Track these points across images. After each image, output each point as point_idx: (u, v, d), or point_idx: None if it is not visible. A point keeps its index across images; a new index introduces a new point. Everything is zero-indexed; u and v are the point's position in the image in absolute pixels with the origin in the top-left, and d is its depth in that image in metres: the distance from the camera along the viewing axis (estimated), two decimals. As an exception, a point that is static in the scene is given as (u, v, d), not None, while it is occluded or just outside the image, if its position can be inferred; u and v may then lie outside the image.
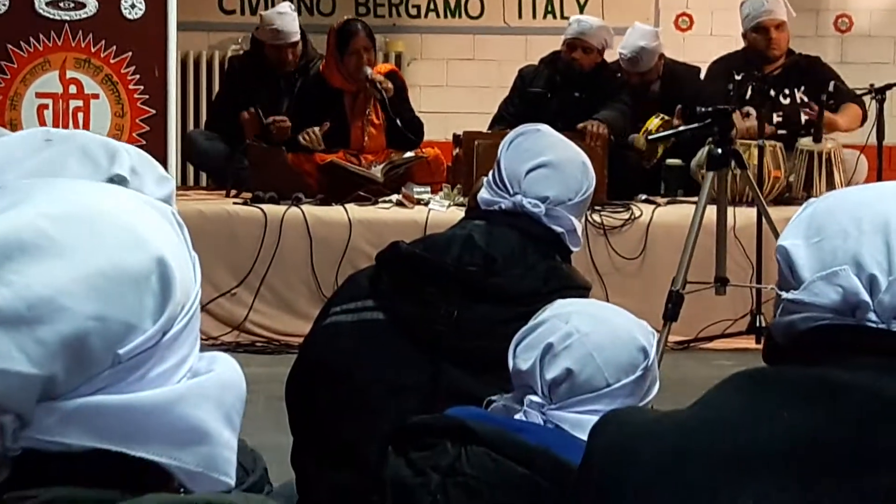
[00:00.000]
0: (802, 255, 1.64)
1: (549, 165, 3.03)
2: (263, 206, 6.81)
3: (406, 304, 2.92)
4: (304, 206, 6.80)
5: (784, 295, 1.64)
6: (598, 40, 7.55)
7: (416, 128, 7.35)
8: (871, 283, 1.59)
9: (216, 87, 8.81)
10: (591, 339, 2.30)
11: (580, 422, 2.26)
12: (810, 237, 1.65)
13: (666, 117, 7.24)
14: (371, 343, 2.94)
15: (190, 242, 1.29)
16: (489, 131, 7.28)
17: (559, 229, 3.04)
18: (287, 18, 7.60)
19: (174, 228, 1.28)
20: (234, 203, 6.96)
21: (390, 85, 7.26)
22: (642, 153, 7.37)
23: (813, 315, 1.62)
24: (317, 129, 7.11)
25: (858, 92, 7.18)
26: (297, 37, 7.64)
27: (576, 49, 7.53)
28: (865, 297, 1.59)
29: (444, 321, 2.88)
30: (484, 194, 3.10)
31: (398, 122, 7.18)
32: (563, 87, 7.51)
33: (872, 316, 1.59)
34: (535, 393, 2.31)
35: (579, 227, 3.11)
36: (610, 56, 7.82)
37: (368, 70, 7.13)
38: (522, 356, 2.34)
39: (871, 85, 6.92)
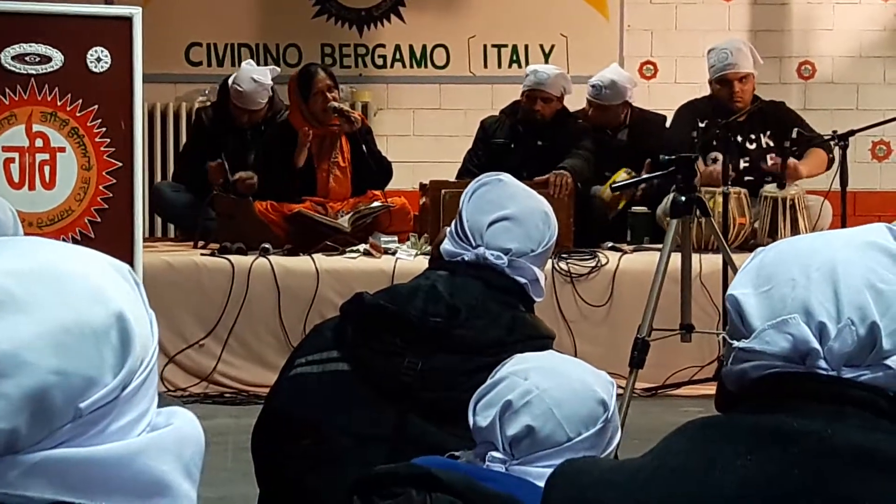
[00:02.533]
0: (752, 303, 1.66)
1: (511, 218, 3.05)
2: (231, 256, 6.83)
3: (370, 355, 2.94)
4: (271, 257, 6.82)
5: (735, 343, 1.67)
6: (557, 89, 7.62)
7: (385, 165, 7.40)
8: (821, 331, 1.61)
9: (183, 139, 8.84)
10: (550, 394, 2.32)
11: (543, 475, 2.27)
12: (760, 286, 1.67)
13: (633, 172, 7.30)
14: (336, 394, 2.95)
15: (146, 300, 1.32)
16: (456, 180, 7.32)
17: (522, 280, 3.06)
18: (257, 88, 7.58)
19: (131, 286, 1.30)
20: (202, 254, 6.96)
21: (360, 115, 7.34)
22: (606, 204, 7.42)
23: (764, 363, 1.64)
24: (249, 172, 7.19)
25: (822, 137, 7.24)
26: (259, 107, 7.65)
27: (535, 100, 7.59)
28: (815, 344, 1.61)
29: (408, 372, 2.89)
30: (447, 245, 3.11)
31: (365, 149, 7.22)
32: (526, 137, 7.56)
33: (822, 363, 1.61)
34: (497, 449, 2.33)
35: (542, 277, 3.13)
36: (572, 103, 7.88)
37: (336, 103, 7.19)
38: (482, 413, 2.35)
39: (834, 131, 6.97)
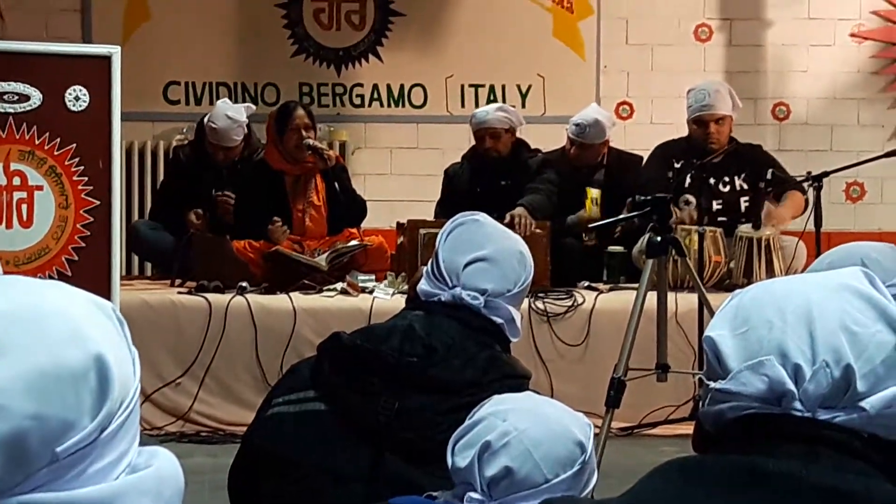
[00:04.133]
0: (729, 345, 1.68)
1: (488, 258, 3.07)
2: (208, 295, 6.81)
3: (347, 395, 2.94)
4: (248, 295, 6.81)
5: (712, 385, 1.68)
6: (500, 122, 7.63)
7: (359, 203, 7.43)
8: (796, 373, 1.63)
9: (161, 177, 8.83)
10: (528, 435, 2.32)
11: (520, 517, 2.28)
12: (736, 328, 1.69)
13: (598, 191, 7.39)
14: (313, 433, 2.96)
15: (130, 339, 1.31)
16: (433, 220, 7.33)
17: (499, 320, 3.07)
18: (231, 125, 7.60)
19: (114, 325, 1.30)
20: (179, 292, 6.95)
21: (333, 153, 7.36)
22: (587, 222, 7.39)
23: (740, 404, 1.65)
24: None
25: (797, 178, 7.28)
26: (234, 144, 7.67)
27: (484, 139, 7.62)
28: (791, 386, 1.62)
29: (385, 411, 2.90)
30: (423, 286, 3.13)
31: (338, 187, 7.23)
32: (488, 179, 7.58)
33: (798, 405, 1.63)
34: (475, 490, 2.33)
35: (518, 316, 3.14)
36: (550, 142, 7.91)
37: (310, 140, 7.22)
38: (461, 454, 2.36)
39: (809, 172, 7.01)
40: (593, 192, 7.51)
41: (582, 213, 7.49)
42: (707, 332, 1.73)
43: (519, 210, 7.13)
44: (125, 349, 1.29)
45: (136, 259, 8.76)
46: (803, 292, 1.69)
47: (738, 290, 1.77)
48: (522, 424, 2.34)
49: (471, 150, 7.83)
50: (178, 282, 7.23)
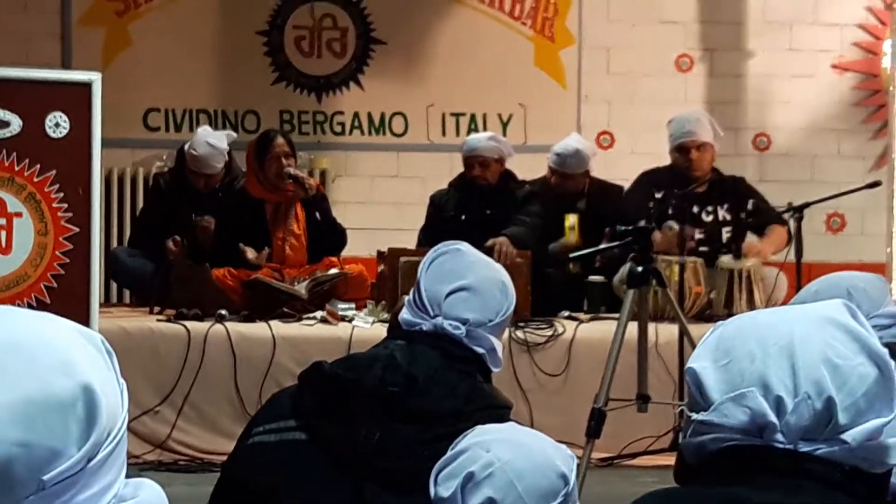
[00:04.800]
0: (711, 377, 1.68)
1: (469, 288, 3.06)
2: (187, 322, 6.80)
3: (328, 425, 2.93)
4: (227, 323, 6.80)
5: (694, 416, 1.68)
6: (490, 151, 7.66)
7: (339, 232, 7.43)
8: (778, 405, 1.63)
9: (140, 204, 8.83)
10: (512, 466, 2.32)
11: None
12: (718, 359, 1.69)
13: (577, 217, 7.41)
14: (294, 463, 2.94)
15: (118, 370, 1.31)
16: (413, 248, 7.33)
17: (480, 350, 3.06)
18: (212, 152, 7.62)
19: (103, 356, 1.30)
20: (158, 320, 6.94)
21: (314, 181, 7.37)
22: (569, 249, 7.40)
23: (722, 436, 1.65)
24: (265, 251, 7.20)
25: (778, 210, 7.31)
26: (215, 171, 7.67)
27: (473, 166, 7.64)
28: (772, 418, 1.62)
29: (366, 442, 2.88)
30: (405, 315, 3.12)
31: (318, 216, 7.24)
32: (474, 207, 7.59)
33: (779, 437, 1.63)
34: (458, 521, 2.32)
35: (500, 346, 3.13)
36: (531, 171, 7.93)
37: (291, 169, 7.22)
38: (444, 484, 2.34)
39: (790, 203, 7.03)
40: (570, 219, 7.54)
41: (563, 241, 7.51)
42: (689, 364, 1.73)
43: (501, 239, 7.14)
44: (113, 380, 1.29)
45: (114, 286, 8.74)
46: (785, 324, 1.69)
47: (720, 322, 1.78)
48: (506, 455, 2.33)
49: (458, 177, 7.84)
50: (156, 309, 7.22)
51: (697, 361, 1.71)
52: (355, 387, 2.95)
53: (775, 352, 1.65)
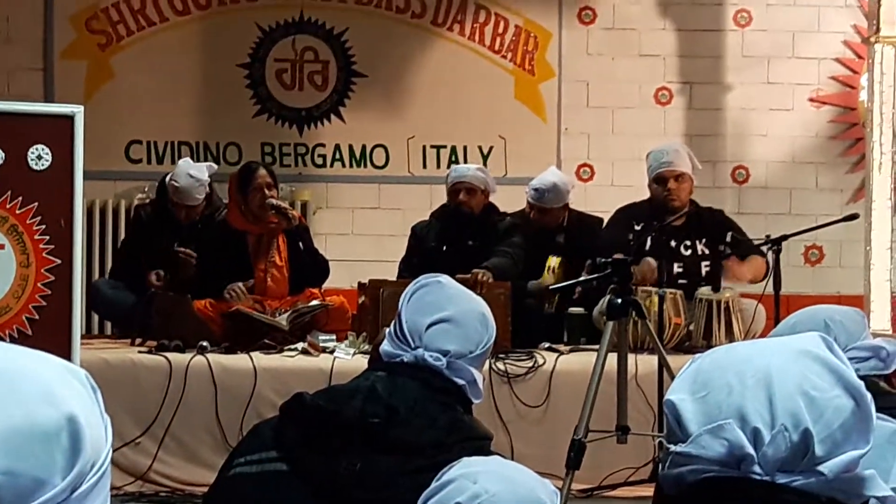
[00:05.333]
0: (689, 409, 1.70)
1: (450, 320, 3.08)
2: (168, 354, 6.80)
3: (310, 456, 2.94)
4: (208, 355, 6.79)
5: (672, 448, 1.70)
6: (478, 181, 7.71)
7: (322, 263, 7.44)
8: (755, 437, 1.65)
9: (122, 236, 8.83)
10: (498, 499, 2.32)
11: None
12: (696, 391, 1.71)
13: (562, 259, 7.41)
14: (275, 494, 2.95)
15: (102, 404, 1.33)
16: (394, 279, 7.35)
17: (461, 381, 3.08)
18: (193, 183, 7.63)
19: (87, 391, 1.31)
20: (139, 351, 6.93)
21: (296, 213, 7.39)
22: (545, 294, 7.45)
23: (700, 467, 1.67)
24: (241, 284, 7.18)
25: (756, 243, 7.34)
26: (196, 202, 7.68)
27: (459, 192, 7.67)
28: (750, 450, 1.64)
29: (347, 473, 2.90)
30: (386, 346, 3.14)
31: (301, 246, 7.25)
32: (456, 238, 7.61)
33: (757, 468, 1.65)
34: (443, 552, 2.33)
35: (480, 378, 3.15)
36: (511, 204, 7.95)
37: (273, 200, 7.25)
38: (430, 516, 2.36)
39: (768, 236, 7.06)
40: (553, 261, 7.55)
41: (541, 281, 7.52)
42: (668, 396, 1.75)
43: (481, 270, 7.17)
44: (98, 414, 1.31)
45: (96, 318, 8.74)
46: (762, 357, 1.71)
47: (698, 354, 1.79)
48: (493, 487, 2.34)
49: (440, 208, 7.87)
50: (138, 341, 7.22)
51: (675, 393, 1.73)
52: (336, 418, 2.96)
53: (752, 384, 1.67)
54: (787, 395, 1.66)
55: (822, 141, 9.49)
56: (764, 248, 7.23)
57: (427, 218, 7.92)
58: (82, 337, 5.79)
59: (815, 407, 1.66)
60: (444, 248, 7.59)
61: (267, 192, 7.28)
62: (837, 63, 9.50)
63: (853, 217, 7.29)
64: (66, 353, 5.11)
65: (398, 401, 3.00)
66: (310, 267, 7.39)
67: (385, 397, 3.00)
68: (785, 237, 7.02)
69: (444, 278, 3.19)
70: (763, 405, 1.66)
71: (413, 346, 3.08)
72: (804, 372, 1.69)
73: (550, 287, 6.67)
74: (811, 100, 9.50)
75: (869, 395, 1.71)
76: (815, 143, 9.48)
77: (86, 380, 1.32)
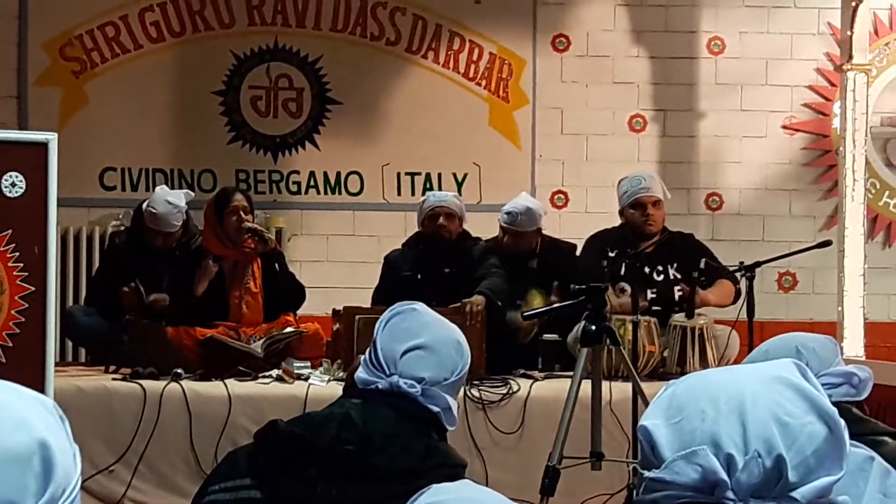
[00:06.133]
0: (663, 434, 1.70)
1: (425, 347, 3.08)
2: (142, 381, 6.78)
3: (284, 484, 2.94)
4: (183, 382, 6.78)
5: (646, 474, 1.70)
6: (456, 207, 7.74)
7: (298, 287, 7.44)
8: (729, 463, 1.65)
9: (96, 263, 8.81)
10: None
11: None
12: (670, 417, 1.71)
13: (544, 292, 7.40)
14: (249, 522, 2.95)
15: (70, 434, 1.33)
16: (369, 306, 7.34)
17: (435, 408, 3.08)
18: (171, 210, 7.62)
19: (56, 420, 1.32)
20: (114, 378, 6.92)
21: (272, 236, 7.39)
22: (521, 329, 7.48)
23: (674, 493, 1.67)
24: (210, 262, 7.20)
25: (730, 269, 7.37)
26: (174, 229, 7.68)
27: (439, 217, 7.67)
28: (723, 475, 1.65)
29: (322, 501, 2.90)
30: (361, 374, 3.14)
31: (278, 267, 7.25)
32: (431, 266, 7.62)
33: (730, 494, 1.65)
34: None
35: (455, 405, 3.15)
36: (483, 231, 7.97)
37: (249, 223, 7.25)
38: (402, 541, 2.35)
39: (741, 262, 7.09)
40: (536, 300, 7.53)
41: (517, 317, 7.51)
42: (642, 421, 1.75)
43: (476, 298, 7.14)
44: (67, 442, 1.32)
45: (70, 345, 8.72)
46: (736, 383, 1.72)
47: (672, 380, 1.80)
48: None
49: (414, 236, 7.87)
50: (112, 368, 7.20)
51: (649, 419, 1.73)
52: (311, 445, 2.96)
53: (726, 410, 1.68)
54: (760, 421, 1.67)
55: (796, 168, 9.54)
56: (738, 275, 7.25)
57: (400, 246, 7.92)
58: (56, 364, 5.78)
59: (788, 433, 1.67)
60: (419, 275, 7.60)
61: (243, 215, 7.28)
62: (810, 90, 9.55)
63: (826, 244, 7.33)
64: (39, 381, 5.10)
65: (373, 428, 3.00)
66: (286, 290, 7.38)
67: (360, 425, 3.00)
68: (758, 264, 7.05)
69: (420, 305, 3.20)
70: (736, 431, 1.66)
71: (388, 373, 3.08)
72: (777, 398, 1.69)
73: (524, 314, 6.66)
74: (784, 127, 9.55)
75: (842, 422, 1.72)
76: (788, 170, 9.53)
77: (54, 409, 1.34)
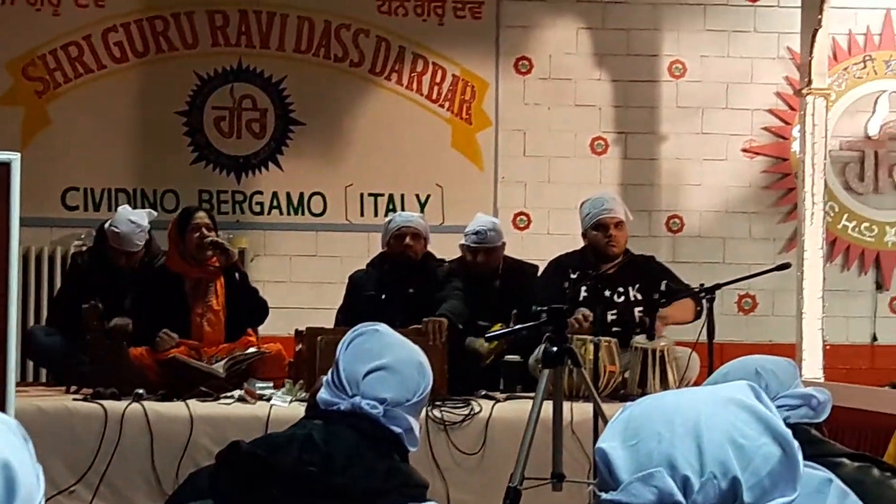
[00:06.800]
0: (620, 456, 1.72)
1: (387, 368, 3.10)
2: (104, 401, 6.76)
3: (246, 504, 2.96)
4: (144, 402, 6.76)
5: (603, 496, 1.72)
6: (422, 227, 7.75)
7: (261, 302, 7.44)
8: (685, 485, 1.67)
9: (58, 283, 8.78)
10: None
11: None
12: (627, 439, 1.73)
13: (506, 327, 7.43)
14: (211, 543, 2.96)
15: (34, 455, 1.34)
16: (332, 327, 7.35)
17: (397, 429, 3.10)
18: (134, 229, 7.61)
19: (19, 440, 1.33)
20: (74, 399, 6.90)
21: (236, 251, 7.40)
22: (482, 355, 7.51)
23: (631, 515, 1.70)
24: (168, 332, 7.16)
25: (689, 289, 7.40)
26: (136, 248, 7.67)
27: (405, 237, 7.68)
28: (679, 497, 1.67)
29: (283, 520, 2.91)
30: (323, 395, 3.15)
31: (237, 277, 7.26)
32: (396, 286, 7.63)
33: (687, 515, 1.68)
34: None
35: (417, 426, 3.17)
36: (447, 253, 7.99)
37: (212, 237, 7.25)
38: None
39: (702, 284, 7.11)
40: (491, 344, 7.53)
41: (480, 346, 7.53)
42: (598, 443, 1.77)
43: (439, 319, 7.15)
44: (30, 462, 1.32)
45: (31, 365, 8.69)
46: (691, 405, 1.74)
47: (629, 403, 1.82)
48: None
49: (378, 256, 7.88)
50: (73, 388, 7.18)
51: (606, 441, 1.75)
52: (273, 466, 2.97)
53: (682, 432, 1.70)
54: (715, 443, 1.69)
55: (755, 191, 9.61)
56: (699, 295, 7.27)
57: (365, 266, 7.92)
58: (17, 384, 5.76)
59: (743, 455, 1.69)
60: (384, 295, 7.60)
61: (206, 231, 7.28)
62: (770, 114, 9.63)
63: (786, 266, 7.36)
64: (0, 401, 5.09)
65: (335, 449, 3.01)
66: (250, 307, 7.37)
67: (321, 445, 3.02)
68: (718, 286, 7.07)
69: (382, 326, 3.22)
70: (692, 453, 1.68)
71: (350, 393, 3.10)
72: (732, 420, 1.71)
73: (487, 336, 6.68)
74: (744, 150, 9.61)
75: (796, 443, 1.74)
76: (748, 192, 9.60)
77: (17, 429, 1.34)
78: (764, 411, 1.75)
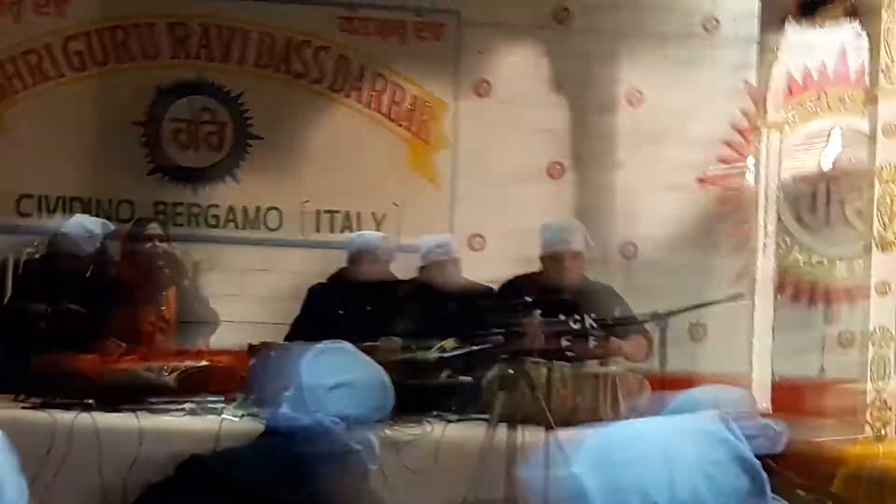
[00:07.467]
0: (591, 484, 1.74)
1: (350, 385, 3.11)
2: (52, 411, 6.71)
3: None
4: (93, 413, 6.72)
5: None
6: (383, 251, 7.76)
7: (212, 312, 7.45)
8: (655, 511, 1.70)
9: (9, 291, 8.72)
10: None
11: None
12: (600, 466, 1.75)
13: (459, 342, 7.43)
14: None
15: (17, 467, 1.34)
16: (284, 342, 7.33)
17: (358, 446, 3.11)
18: (84, 234, 7.58)
19: (3, 454, 1.33)
20: (22, 408, 6.84)
21: (182, 260, 7.42)
22: (433, 369, 7.48)
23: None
24: (116, 340, 7.14)
25: (642, 318, 7.43)
26: (84, 253, 7.62)
27: (363, 262, 7.69)
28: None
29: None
30: (284, 410, 3.16)
31: (188, 284, 7.28)
32: (354, 303, 7.63)
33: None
34: None
35: (376, 444, 3.18)
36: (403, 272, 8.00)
37: (163, 247, 7.26)
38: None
39: (654, 311, 7.15)
40: (449, 342, 7.54)
41: (430, 357, 7.52)
42: (571, 469, 1.78)
43: (394, 338, 7.16)
44: (15, 474, 1.33)
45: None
46: (663, 434, 1.76)
47: (598, 429, 1.83)
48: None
49: (340, 271, 7.87)
50: (21, 397, 7.12)
51: (579, 467, 1.77)
52: (229, 480, 2.97)
53: (654, 461, 1.72)
54: (687, 471, 1.71)
55: (710, 221, 9.66)
56: (650, 325, 7.31)
57: (325, 280, 7.92)
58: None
59: (713, 484, 1.71)
60: (341, 311, 7.60)
61: (157, 242, 7.28)
62: (726, 146, 9.69)
63: (738, 296, 7.41)
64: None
65: (293, 464, 3.02)
66: (200, 311, 7.38)
67: (280, 460, 3.02)
68: (671, 313, 7.11)
69: (346, 344, 3.23)
70: (664, 481, 1.70)
71: (312, 409, 3.10)
72: (704, 449, 1.73)
73: (444, 356, 6.69)
74: (699, 180, 9.67)
75: (764, 474, 1.77)
76: (702, 222, 9.65)
77: (2, 442, 1.34)
78: (734, 441, 1.77)
